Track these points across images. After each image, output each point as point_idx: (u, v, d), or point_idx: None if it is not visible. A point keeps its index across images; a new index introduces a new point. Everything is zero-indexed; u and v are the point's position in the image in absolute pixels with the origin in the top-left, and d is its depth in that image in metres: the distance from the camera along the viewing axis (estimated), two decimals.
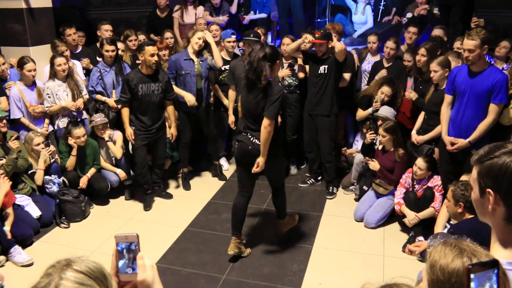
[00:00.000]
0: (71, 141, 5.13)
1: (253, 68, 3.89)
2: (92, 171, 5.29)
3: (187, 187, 5.80)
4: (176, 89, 5.42)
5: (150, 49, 4.94)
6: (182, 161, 5.86)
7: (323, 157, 5.47)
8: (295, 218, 4.74)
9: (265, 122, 3.88)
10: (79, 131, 5.13)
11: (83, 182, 5.19)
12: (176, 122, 5.55)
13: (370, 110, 5.36)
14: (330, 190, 5.54)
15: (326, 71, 5.18)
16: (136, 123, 5.16)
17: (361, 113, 5.50)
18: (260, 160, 3.98)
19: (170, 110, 5.43)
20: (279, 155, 4.22)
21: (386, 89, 5.27)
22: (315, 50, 5.20)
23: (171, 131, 5.47)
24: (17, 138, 4.87)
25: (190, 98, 5.43)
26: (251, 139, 4.04)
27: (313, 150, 5.62)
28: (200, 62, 5.51)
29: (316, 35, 5.03)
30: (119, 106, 5.39)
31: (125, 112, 5.14)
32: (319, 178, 5.84)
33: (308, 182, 5.83)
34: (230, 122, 5.69)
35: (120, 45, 5.88)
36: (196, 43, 5.45)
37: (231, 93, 5.60)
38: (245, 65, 4.72)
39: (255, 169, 4.01)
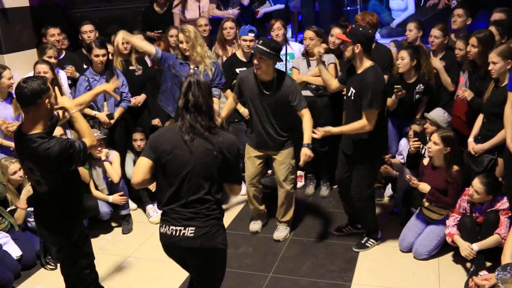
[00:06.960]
0: None
1: None
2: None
3: None
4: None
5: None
6: None
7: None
8: None
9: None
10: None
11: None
12: None
13: (393, 97, 5.12)
14: (364, 242, 4.98)
15: (353, 97, 4.59)
16: None
17: (388, 102, 5.12)
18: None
19: None
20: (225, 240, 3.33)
21: (403, 53, 5.26)
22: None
23: None
24: None
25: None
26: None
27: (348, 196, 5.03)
28: (195, 68, 5.28)
29: (348, 29, 4.65)
30: (112, 121, 5.41)
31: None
32: (360, 226, 5.25)
33: (344, 230, 5.29)
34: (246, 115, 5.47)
35: (109, 48, 5.92)
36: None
37: (230, 101, 5.24)
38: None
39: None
